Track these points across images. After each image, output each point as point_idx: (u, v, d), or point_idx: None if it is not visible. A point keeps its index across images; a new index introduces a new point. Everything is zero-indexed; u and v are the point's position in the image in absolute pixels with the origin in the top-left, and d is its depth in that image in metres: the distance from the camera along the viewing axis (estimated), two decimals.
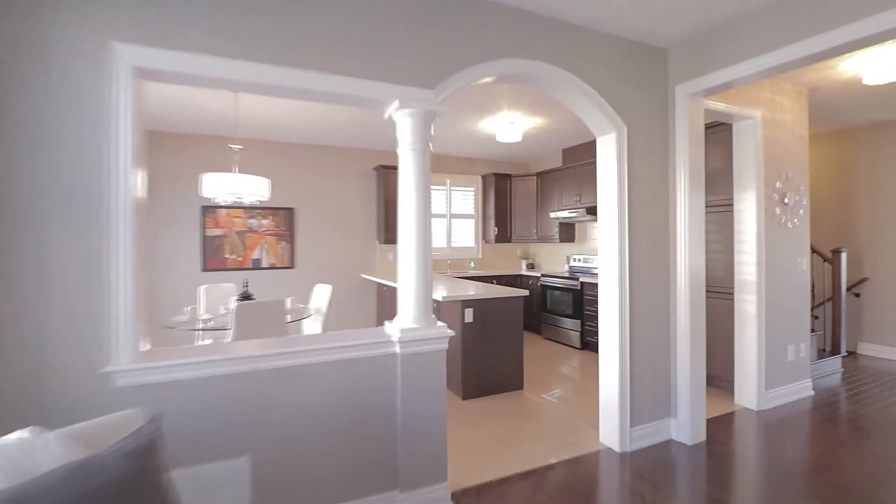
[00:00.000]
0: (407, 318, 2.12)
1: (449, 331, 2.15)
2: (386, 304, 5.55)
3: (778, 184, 3.54)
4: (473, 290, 3.88)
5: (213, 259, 5.20)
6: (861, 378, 4.17)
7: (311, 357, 1.90)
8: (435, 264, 6.27)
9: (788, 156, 3.64)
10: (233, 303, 3.38)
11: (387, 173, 5.82)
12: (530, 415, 3.32)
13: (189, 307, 3.40)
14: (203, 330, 3.20)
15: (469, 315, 3.61)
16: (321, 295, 4.00)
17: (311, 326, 4.02)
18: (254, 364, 1.81)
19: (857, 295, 4.96)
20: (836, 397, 3.69)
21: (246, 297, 3.57)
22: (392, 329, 2.12)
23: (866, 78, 3.15)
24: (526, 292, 3.85)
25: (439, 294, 3.60)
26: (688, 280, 2.85)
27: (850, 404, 3.51)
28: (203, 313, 3.82)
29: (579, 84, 2.58)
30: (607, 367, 2.83)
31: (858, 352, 4.98)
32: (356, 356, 1.99)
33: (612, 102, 2.71)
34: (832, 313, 4.55)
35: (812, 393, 3.74)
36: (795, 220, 3.65)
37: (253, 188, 3.53)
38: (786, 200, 3.56)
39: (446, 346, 2.15)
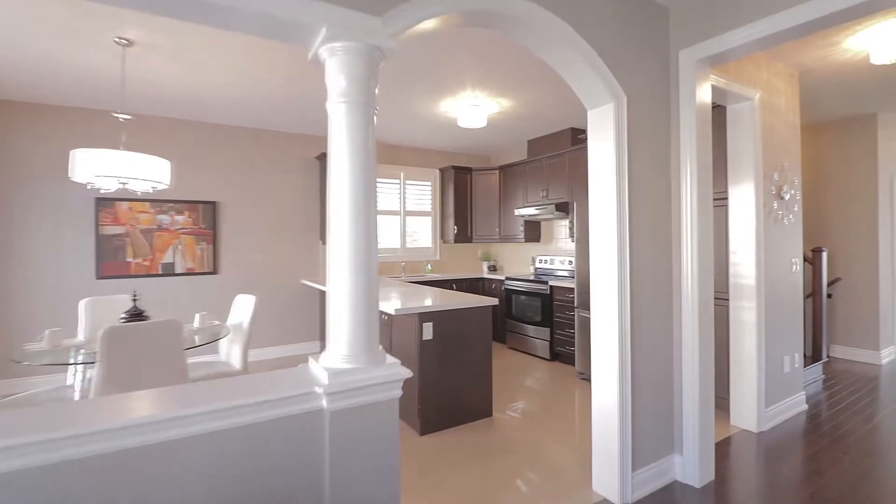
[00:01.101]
0: (338, 352, 1.44)
1: (403, 370, 1.47)
2: None
3: (775, 175, 3.15)
4: (433, 300, 3.23)
5: (110, 264, 4.21)
6: (844, 385, 3.90)
7: (182, 427, 1.17)
8: (387, 267, 5.56)
9: (784, 145, 3.27)
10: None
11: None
12: (504, 452, 2.71)
13: (48, 331, 2.50)
14: (66, 364, 2.33)
15: (428, 331, 2.95)
16: (242, 308, 3.20)
17: (230, 350, 3.20)
18: (79, 447, 1.06)
19: (830, 296, 4.76)
20: (829, 411, 3.36)
21: (136, 314, 2.72)
22: (317, 371, 1.43)
23: (875, 55, 2.80)
24: (495, 301, 3.25)
25: (391, 305, 2.92)
26: (696, 288, 2.34)
27: (847, 419, 3.18)
28: (80, 337, 2.91)
29: (574, 38, 1.99)
30: (603, 399, 2.26)
31: (832, 355, 4.80)
32: (259, 419, 1.28)
33: (611, 65, 2.15)
34: (813, 317, 4.29)
35: (805, 407, 3.40)
36: (791, 217, 3.29)
37: (145, 170, 2.69)
38: (783, 194, 3.18)
39: (399, 393, 1.47)
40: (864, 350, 4.61)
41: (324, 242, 5.05)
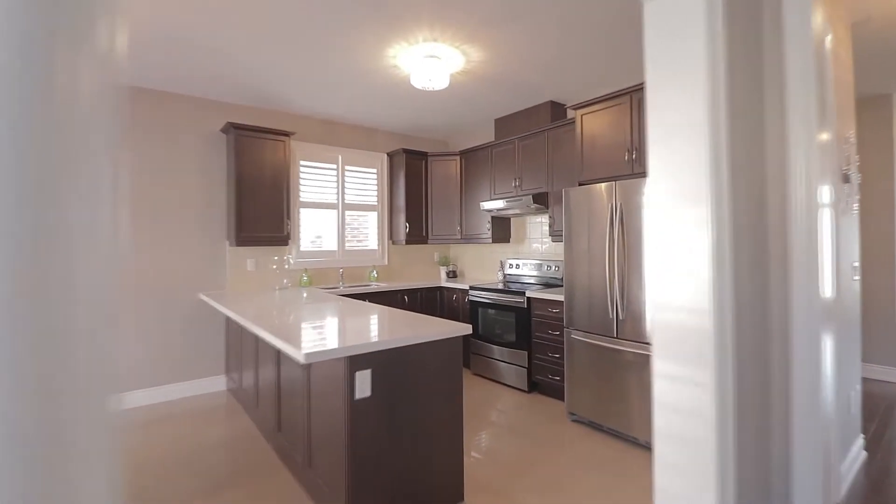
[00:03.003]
0: None
1: None
2: (240, 341, 3.53)
3: (845, 147, 2.33)
4: (376, 329, 2.12)
5: None
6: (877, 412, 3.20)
7: None
8: (320, 275, 4.36)
9: (846, 109, 2.46)
10: None
11: (243, 137, 3.79)
12: None
13: None
14: None
15: (363, 384, 1.83)
16: None
17: None
18: None
19: None
20: (886, 457, 2.59)
21: None
22: None
23: None
24: (467, 329, 2.18)
25: (307, 342, 1.78)
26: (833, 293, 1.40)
27: None
28: None
29: None
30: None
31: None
32: None
33: None
34: None
35: (865, 454, 2.61)
36: (855, 206, 2.49)
37: None
38: (849, 175, 2.37)
39: None
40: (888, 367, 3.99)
41: (233, 243, 3.78)
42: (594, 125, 3.21)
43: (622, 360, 2.81)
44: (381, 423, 1.88)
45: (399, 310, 2.69)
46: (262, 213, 3.87)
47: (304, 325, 2.22)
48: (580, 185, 3.29)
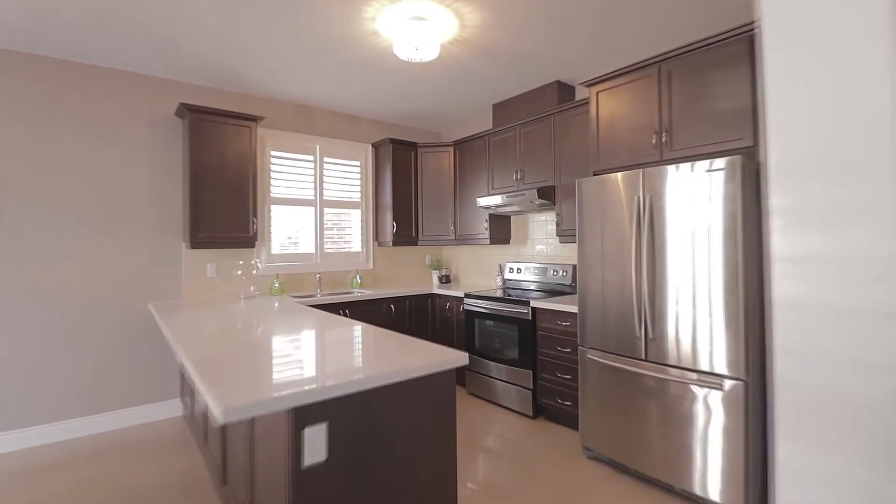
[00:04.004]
0: None
1: None
2: None
3: None
4: (344, 359, 1.58)
5: None
6: None
7: None
8: (295, 282, 3.81)
9: None
10: None
11: (200, 122, 3.24)
12: None
13: None
14: None
15: (316, 444, 1.29)
16: None
17: None
18: None
19: None
20: None
21: None
22: None
23: None
24: (463, 359, 1.64)
25: (235, 386, 1.24)
26: None
27: None
28: None
29: None
30: None
31: None
32: None
33: None
34: None
35: None
36: None
37: None
38: None
39: None
40: None
41: (189, 245, 3.23)
42: (613, 103, 2.70)
43: (653, 388, 2.29)
44: (341, 498, 1.34)
45: (380, 329, 2.15)
46: (223, 211, 3.32)
47: (250, 353, 1.68)
48: (595, 175, 2.78)
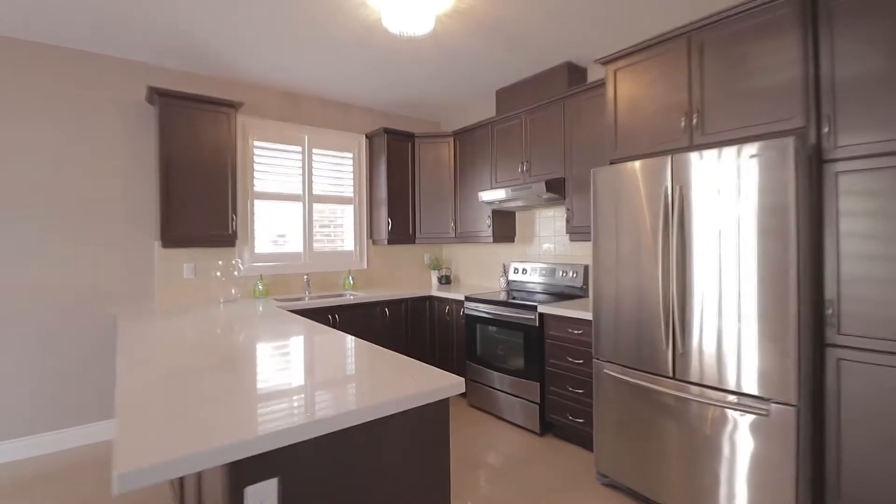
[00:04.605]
0: None
1: None
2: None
3: None
4: (314, 388, 1.27)
5: None
6: None
7: None
8: (281, 283, 3.51)
9: None
10: None
11: (172, 107, 2.94)
12: None
13: None
14: None
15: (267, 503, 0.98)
16: None
17: None
18: None
19: None
20: None
21: None
22: None
23: None
24: (459, 386, 1.33)
25: (158, 431, 0.94)
26: None
27: None
28: None
29: None
30: None
31: None
32: None
33: None
34: None
35: None
36: None
37: None
38: None
39: None
40: None
41: (164, 244, 2.92)
42: (633, 83, 2.37)
43: (681, 410, 1.97)
44: None
45: (363, 343, 1.84)
46: (198, 207, 3.01)
47: (199, 380, 1.38)
48: (612, 164, 2.45)
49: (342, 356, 1.62)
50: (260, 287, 3.43)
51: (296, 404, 1.14)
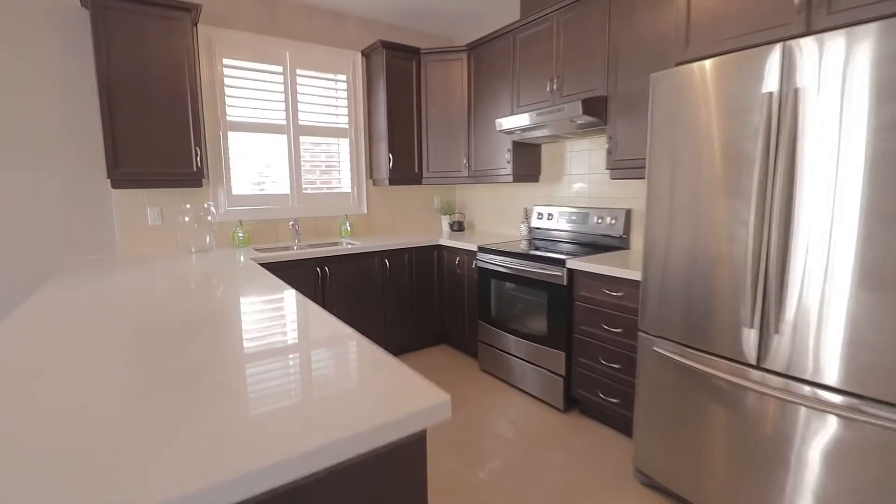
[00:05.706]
0: None
1: None
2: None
3: None
4: (253, 421, 0.78)
5: None
6: None
7: None
8: (263, 230, 3.03)
9: None
10: None
11: (107, 10, 2.32)
12: None
13: None
14: None
15: None
16: None
17: None
18: None
19: None
20: None
21: None
22: None
23: None
24: (446, 411, 0.83)
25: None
26: None
27: None
28: None
29: None
30: None
31: None
32: None
33: None
34: None
35: None
36: None
37: None
38: None
39: None
40: None
41: (112, 184, 2.44)
42: None
43: (769, 413, 1.43)
44: None
45: (342, 326, 1.34)
46: (151, 138, 2.47)
47: (109, 386, 0.91)
48: (681, 66, 1.74)
49: (292, 359, 1.12)
50: (240, 234, 2.95)
51: (212, 459, 0.64)
